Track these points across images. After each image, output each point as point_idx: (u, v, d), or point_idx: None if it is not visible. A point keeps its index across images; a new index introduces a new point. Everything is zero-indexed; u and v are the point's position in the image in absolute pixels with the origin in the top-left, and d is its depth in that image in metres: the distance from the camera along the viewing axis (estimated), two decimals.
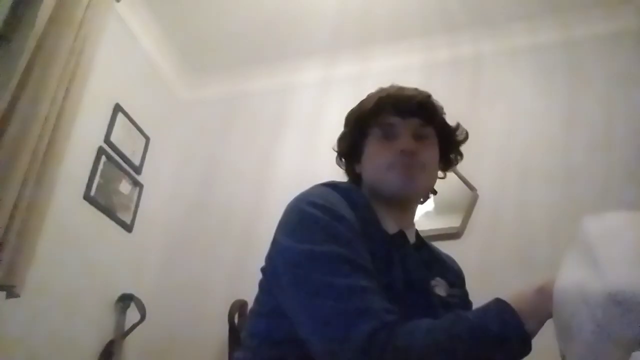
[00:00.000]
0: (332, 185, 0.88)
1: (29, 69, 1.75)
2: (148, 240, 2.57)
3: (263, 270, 0.88)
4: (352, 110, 1.04)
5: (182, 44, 2.83)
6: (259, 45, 2.78)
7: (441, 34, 2.60)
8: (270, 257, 0.85)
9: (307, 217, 0.79)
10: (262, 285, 0.87)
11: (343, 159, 1.08)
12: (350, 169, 1.06)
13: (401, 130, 0.94)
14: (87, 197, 2.16)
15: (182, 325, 2.37)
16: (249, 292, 2.50)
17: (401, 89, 0.98)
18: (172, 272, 2.54)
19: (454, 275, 1.01)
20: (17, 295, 1.64)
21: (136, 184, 2.52)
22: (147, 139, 2.63)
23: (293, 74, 2.87)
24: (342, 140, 1.08)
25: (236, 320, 2.10)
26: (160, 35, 2.75)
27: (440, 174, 1.04)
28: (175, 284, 2.50)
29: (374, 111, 0.97)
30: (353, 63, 2.77)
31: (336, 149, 1.09)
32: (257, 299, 0.87)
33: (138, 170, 2.55)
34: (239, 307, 2.13)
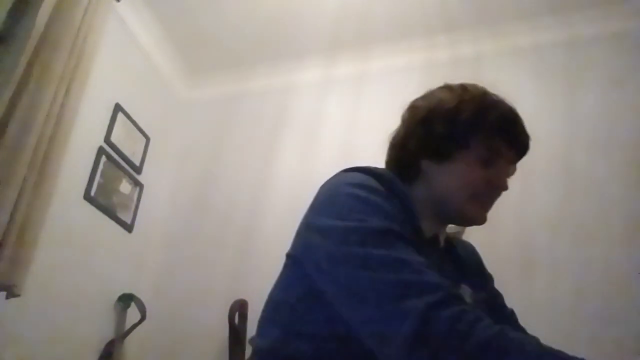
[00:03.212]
0: (370, 172, 0.79)
1: (29, 69, 1.75)
2: (148, 240, 2.57)
3: (290, 255, 0.82)
4: (461, 100, 0.85)
5: (182, 44, 2.83)
6: (259, 45, 2.78)
7: (441, 33, 2.60)
8: (303, 241, 0.77)
9: (351, 196, 0.72)
10: (287, 271, 0.81)
11: (395, 152, 0.92)
12: (410, 158, 0.87)
13: (504, 165, 0.85)
14: (87, 197, 2.16)
15: (182, 325, 2.37)
16: (249, 292, 2.52)
17: (518, 117, 0.87)
18: (172, 272, 2.54)
19: (476, 274, 0.96)
20: (17, 295, 1.64)
21: (136, 184, 2.52)
22: (147, 139, 2.64)
23: (293, 74, 2.87)
24: (424, 126, 0.86)
25: (236, 320, 2.10)
26: (160, 35, 2.75)
27: None
28: (175, 284, 2.50)
29: (493, 127, 0.83)
30: (353, 63, 2.77)
31: (400, 126, 0.92)
32: (281, 287, 0.82)
33: (138, 170, 2.55)
34: (239, 307, 2.13)
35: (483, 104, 0.85)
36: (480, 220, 0.85)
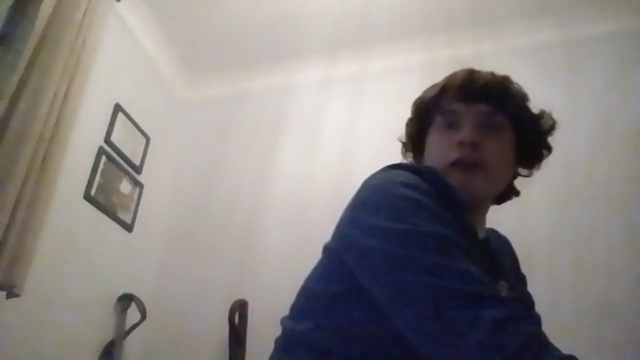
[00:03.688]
0: (412, 169, 0.76)
1: (29, 69, 1.75)
2: (148, 240, 2.57)
3: (330, 248, 0.78)
4: (419, 95, 0.92)
5: (182, 44, 2.83)
6: (259, 45, 2.78)
7: (441, 33, 2.60)
8: (348, 238, 0.73)
9: (405, 198, 0.68)
10: (327, 264, 0.78)
11: (408, 151, 0.95)
12: (415, 161, 0.93)
13: (464, 119, 0.81)
14: (87, 197, 2.16)
15: (182, 325, 2.37)
16: (249, 292, 2.51)
17: (472, 72, 0.85)
18: (172, 272, 2.54)
19: (511, 272, 0.93)
20: (17, 295, 1.64)
21: (136, 183, 2.52)
22: (148, 139, 2.64)
23: (293, 74, 2.87)
24: (407, 128, 0.94)
25: (236, 320, 2.10)
26: (160, 35, 2.75)
27: (523, 171, 0.91)
28: (175, 284, 2.50)
29: (437, 96, 0.86)
30: (353, 63, 2.77)
31: (402, 139, 0.96)
32: (319, 278, 0.78)
33: (138, 170, 2.55)
34: (239, 307, 2.13)
35: (435, 84, 0.89)
36: (463, 185, 0.78)
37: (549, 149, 0.91)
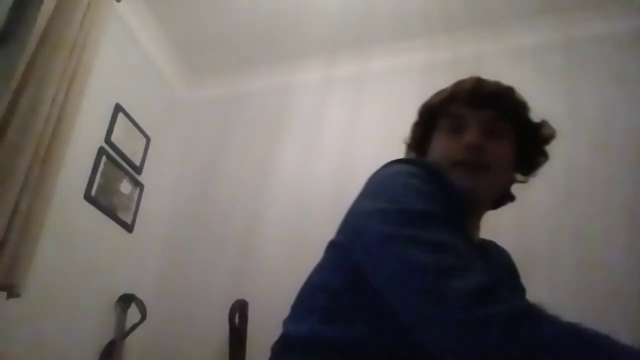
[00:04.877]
0: (419, 163, 0.79)
1: (29, 69, 1.75)
2: (148, 240, 2.57)
3: (335, 243, 0.81)
4: (425, 100, 0.96)
5: (182, 44, 2.83)
6: (259, 45, 2.78)
7: (441, 33, 2.60)
8: (352, 226, 0.76)
9: (405, 185, 0.71)
10: (331, 257, 0.80)
11: (413, 152, 0.98)
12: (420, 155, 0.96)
13: (470, 123, 0.85)
14: (87, 197, 2.17)
15: (182, 325, 2.37)
16: (249, 292, 2.51)
17: (480, 80, 0.90)
18: (172, 272, 2.54)
19: (513, 281, 0.94)
20: (17, 295, 1.64)
21: (137, 184, 2.53)
22: (148, 139, 2.64)
23: (293, 74, 2.87)
24: (412, 131, 0.98)
25: (236, 320, 2.10)
26: (160, 35, 2.75)
27: (520, 177, 0.94)
28: (175, 284, 2.50)
29: (445, 101, 0.89)
30: (353, 63, 2.77)
31: (407, 141, 1.00)
32: (323, 271, 0.80)
33: (138, 170, 2.55)
34: (239, 307, 2.13)
35: (443, 89, 0.93)
36: (468, 185, 0.81)
37: (546, 157, 0.95)
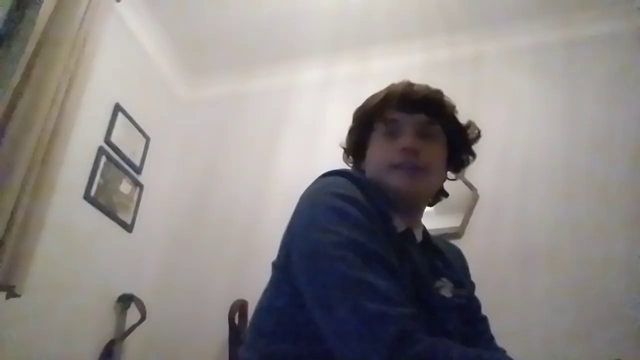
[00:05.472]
0: (346, 174, 0.83)
1: (29, 69, 1.75)
2: (148, 240, 2.57)
3: (274, 264, 0.85)
4: (360, 105, 1.01)
5: (182, 44, 2.83)
6: (259, 45, 2.78)
7: (441, 33, 2.60)
8: (285, 249, 0.81)
9: (331, 209, 0.74)
10: (274, 279, 0.84)
11: (350, 156, 1.05)
12: (356, 166, 1.02)
13: (405, 127, 0.90)
14: (87, 197, 2.16)
15: (182, 325, 2.37)
16: (249, 292, 2.50)
17: (410, 84, 0.95)
18: (172, 272, 2.54)
19: (461, 274, 0.98)
20: (17, 296, 1.64)
21: (136, 184, 2.52)
22: (147, 139, 2.64)
23: (293, 74, 2.87)
24: (348, 136, 1.04)
25: (236, 320, 2.10)
26: (160, 35, 2.75)
27: (450, 175, 1.00)
28: (175, 284, 2.50)
29: (379, 106, 0.94)
30: (353, 63, 2.77)
31: (344, 145, 1.06)
32: (268, 295, 0.83)
33: (138, 170, 2.55)
34: (239, 307, 2.13)
35: (375, 94, 0.98)
36: (407, 185, 0.86)
37: (474, 155, 1.01)
